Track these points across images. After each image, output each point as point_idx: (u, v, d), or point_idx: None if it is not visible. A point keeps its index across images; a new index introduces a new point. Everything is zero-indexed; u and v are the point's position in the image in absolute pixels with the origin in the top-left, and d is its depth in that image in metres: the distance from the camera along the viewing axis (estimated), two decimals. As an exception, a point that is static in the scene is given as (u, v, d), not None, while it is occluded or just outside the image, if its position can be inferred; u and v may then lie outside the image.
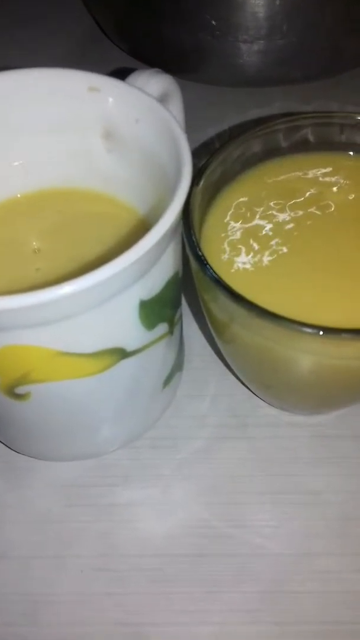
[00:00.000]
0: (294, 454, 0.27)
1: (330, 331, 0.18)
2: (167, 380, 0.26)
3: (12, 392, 0.21)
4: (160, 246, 0.19)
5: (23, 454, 0.26)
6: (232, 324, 0.22)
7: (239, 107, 0.39)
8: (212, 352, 0.30)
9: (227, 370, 0.29)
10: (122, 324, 0.20)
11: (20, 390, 0.21)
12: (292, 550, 0.24)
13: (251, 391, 0.28)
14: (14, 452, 0.27)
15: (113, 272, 0.17)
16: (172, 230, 0.19)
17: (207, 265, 0.20)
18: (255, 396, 0.28)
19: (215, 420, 0.28)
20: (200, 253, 0.21)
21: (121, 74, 0.24)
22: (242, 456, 0.27)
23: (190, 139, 0.25)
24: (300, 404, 0.27)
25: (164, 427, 0.28)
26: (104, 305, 0.18)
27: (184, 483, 0.26)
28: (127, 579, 0.24)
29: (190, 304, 0.31)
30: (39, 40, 0.47)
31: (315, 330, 0.18)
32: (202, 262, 0.21)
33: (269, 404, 0.28)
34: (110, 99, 0.23)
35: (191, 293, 0.24)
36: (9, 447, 0.27)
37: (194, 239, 0.21)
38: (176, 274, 0.22)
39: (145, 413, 0.26)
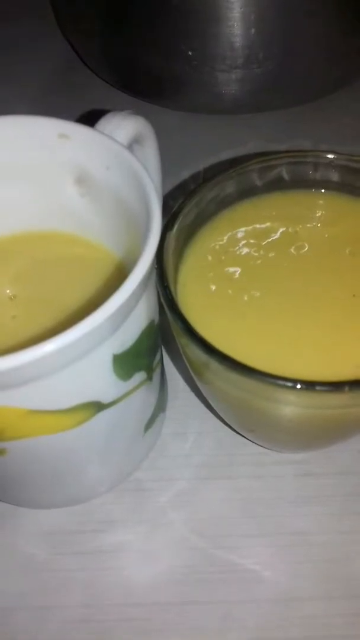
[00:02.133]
0: (279, 493, 0.27)
1: (305, 384, 0.18)
2: (149, 424, 0.25)
3: (-13, 448, 0.21)
4: (131, 301, 0.18)
5: (5, 502, 0.26)
6: (208, 373, 0.21)
7: (218, 135, 0.39)
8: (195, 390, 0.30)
9: (210, 408, 0.29)
10: (96, 379, 0.20)
11: (-6, 446, 0.21)
12: (278, 596, 0.24)
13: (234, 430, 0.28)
14: (-5, 499, 0.26)
15: (80, 334, 0.17)
16: (143, 284, 0.19)
17: (179, 315, 0.20)
18: (239, 434, 0.28)
19: (199, 459, 0.28)
20: (173, 302, 0.20)
21: (94, 115, 0.24)
22: (227, 497, 0.27)
23: (166, 180, 0.25)
24: (283, 446, 0.26)
25: (149, 468, 0.27)
26: (74, 364, 0.18)
27: (169, 527, 0.26)
28: (113, 630, 0.24)
29: (171, 341, 0.31)
30: (13, 66, 0.47)
31: (290, 384, 0.18)
32: (175, 311, 0.20)
33: (253, 442, 0.28)
34: (80, 147, 0.23)
35: (171, 331, 0.23)
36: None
37: (167, 289, 0.21)
38: (151, 322, 0.22)
39: (128, 458, 0.26)
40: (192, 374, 0.25)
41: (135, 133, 0.24)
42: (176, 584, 0.25)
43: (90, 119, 0.23)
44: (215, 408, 0.26)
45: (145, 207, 0.20)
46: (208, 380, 0.23)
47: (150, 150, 0.26)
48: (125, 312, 0.19)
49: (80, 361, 0.18)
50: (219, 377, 0.21)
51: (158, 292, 0.22)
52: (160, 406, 0.27)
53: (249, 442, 0.28)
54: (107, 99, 0.43)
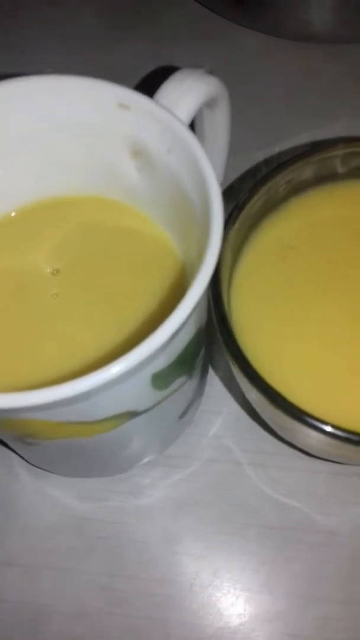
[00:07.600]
0: (309, 489, 0.26)
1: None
2: (184, 414, 0.25)
3: (21, 440, 0.21)
4: (188, 318, 0.17)
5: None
6: (263, 407, 0.20)
7: (303, 66, 0.35)
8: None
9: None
10: (133, 394, 0.19)
11: (28, 440, 0.20)
12: (295, 591, 0.24)
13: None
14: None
15: (130, 365, 0.15)
16: (202, 297, 0.17)
17: (233, 341, 0.18)
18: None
19: (232, 442, 0.27)
20: (226, 324, 0.19)
21: (163, 72, 0.21)
22: (255, 485, 0.26)
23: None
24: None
25: (183, 444, 0.27)
26: (114, 387, 0.17)
27: (194, 509, 0.26)
28: (129, 601, 0.25)
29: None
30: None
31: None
32: (231, 342, 0.19)
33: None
34: (140, 121, 0.20)
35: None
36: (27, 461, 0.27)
37: (221, 304, 0.19)
38: (199, 329, 0.20)
39: (162, 442, 0.25)
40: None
41: (207, 98, 0.21)
42: (195, 567, 0.25)
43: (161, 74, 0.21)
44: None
45: (207, 210, 0.18)
46: (261, 407, 0.21)
47: (221, 115, 0.23)
48: (180, 330, 0.17)
49: (121, 384, 0.17)
50: (275, 415, 0.19)
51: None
52: (199, 393, 0.26)
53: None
54: (183, 15, 0.38)
